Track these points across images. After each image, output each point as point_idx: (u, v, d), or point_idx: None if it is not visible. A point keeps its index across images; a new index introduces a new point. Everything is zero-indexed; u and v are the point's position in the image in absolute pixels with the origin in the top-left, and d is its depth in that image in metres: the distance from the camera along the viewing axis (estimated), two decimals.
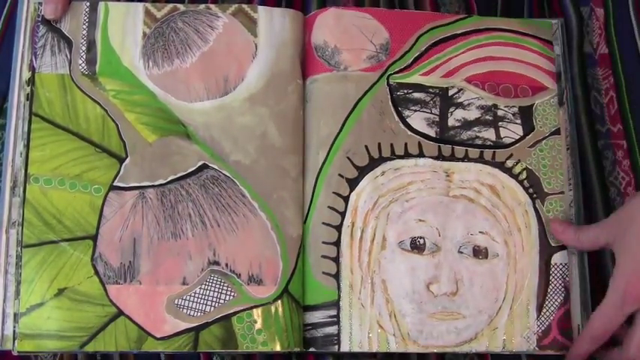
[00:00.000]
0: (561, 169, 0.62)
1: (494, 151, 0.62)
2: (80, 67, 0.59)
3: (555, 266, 0.60)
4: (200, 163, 0.58)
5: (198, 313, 0.56)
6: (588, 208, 0.64)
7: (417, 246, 0.59)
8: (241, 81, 0.60)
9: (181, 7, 0.61)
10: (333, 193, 0.59)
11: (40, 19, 0.60)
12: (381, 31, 0.63)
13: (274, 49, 0.61)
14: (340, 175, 0.59)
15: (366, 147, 0.60)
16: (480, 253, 0.60)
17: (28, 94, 0.59)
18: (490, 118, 0.63)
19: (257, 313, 0.56)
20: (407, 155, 0.61)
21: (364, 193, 0.59)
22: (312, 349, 0.57)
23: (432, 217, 0.60)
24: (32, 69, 0.59)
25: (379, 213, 0.59)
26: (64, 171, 0.58)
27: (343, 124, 0.60)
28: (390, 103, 0.61)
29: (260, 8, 0.61)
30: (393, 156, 0.60)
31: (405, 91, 0.62)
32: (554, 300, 0.60)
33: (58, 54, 0.60)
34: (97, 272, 0.56)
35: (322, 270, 0.58)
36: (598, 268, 0.63)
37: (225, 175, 0.58)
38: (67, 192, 0.57)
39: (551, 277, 0.60)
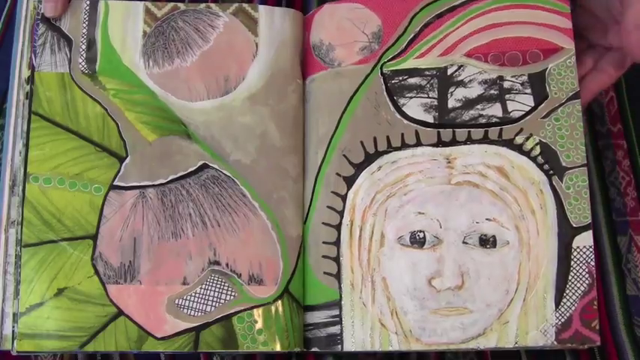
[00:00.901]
0: (582, 138, 0.57)
1: (500, 129, 0.58)
2: (80, 66, 0.59)
3: (578, 250, 0.56)
4: (200, 163, 0.58)
5: (199, 313, 0.56)
6: None
7: (416, 240, 0.57)
8: (242, 80, 0.60)
9: (182, 6, 0.61)
10: (332, 192, 0.59)
11: (39, 17, 0.60)
12: (373, 18, 0.61)
13: (275, 48, 0.61)
14: (337, 173, 0.59)
15: (362, 143, 0.59)
16: (487, 242, 0.56)
17: (27, 92, 0.59)
18: (495, 92, 0.58)
19: (257, 313, 0.56)
20: (404, 146, 0.58)
21: (361, 190, 0.58)
22: (314, 349, 0.57)
23: (432, 208, 0.57)
24: (32, 67, 0.59)
25: (377, 209, 0.58)
26: (63, 170, 0.57)
27: (339, 122, 0.59)
28: (384, 93, 0.59)
29: (261, 7, 0.61)
30: (390, 149, 0.58)
31: (400, 78, 0.59)
32: (576, 288, 0.55)
33: (58, 52, 0.59)
34: (97, 272, 0.56)
35: (323, 270, 0.58)
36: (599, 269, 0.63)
37: (226, 175, 0.58)
38: (66, 191, 0.57)
39: (572, 263, 0.55)
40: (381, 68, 0.60)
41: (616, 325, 0.61)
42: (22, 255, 0.56)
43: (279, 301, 0.57)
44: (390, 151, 0.58)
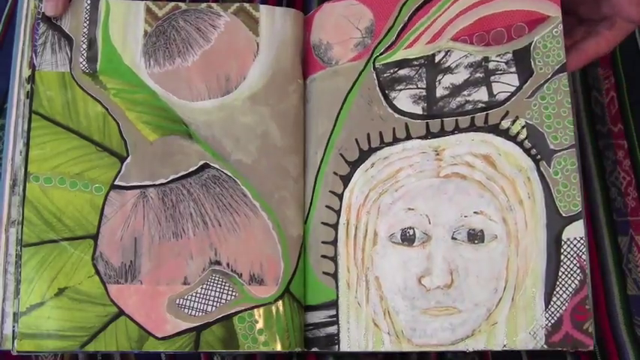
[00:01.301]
0: (570, 116, 0.52)
1: (486, 114, 0.54)
2: (81, 65, 0.59)
3: (568, 242, 0.51)
4: (201, 163, 0.58)
5: (200, 313, 0.56)
6: (589, 208, 0.64)
7: (407, 238, 0.55)
8: (243, 80, 0.60)
9: (183, 5, 0.61)
10: (330, 191, 0.58)
11: (40, 16, 0.60)
12: (366, 13, 0.60)
13: (276, 48, 0.61)
14: (335, 172, 0.58)
15: (356, 140, 0.58)
16: (475, 237, 0.53)
17: (28, 91, 0.58)
18: (481, 75, 0.55)
19: (258, 313, 0.56)
20: (395, 141, 0.57)
21: (356, 188, 0.58)
22: (314, 349, 0.57)
23: (421, 203, 0.55)
24: (32, 66, 0.59)
25: (370, 207, 0.57)
26: (64, 170, 0.57)
27: (336, 121, 0.59)
28: (377, 88, 0.58)
29: (262, 7, 0.61)
30: (382, 144, 0.57)
31: (391, 71, 0.58)
32: (567, 285, 0.51)
33: (59, 52, 0.59)
34: (97, 272, 0.56)
35: (322, 270, 0.57)
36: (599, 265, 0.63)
37: (227, 175, 0.58)
38: (67, 191, 0.57)
39: (562, 257, 0.51)
40: (374, 63, 0.59)
41: (617, 325, 0.61)
42: (23, 254, 0.56)
43: (280, 301, 0.57)
44: (383, 147, 0.57)
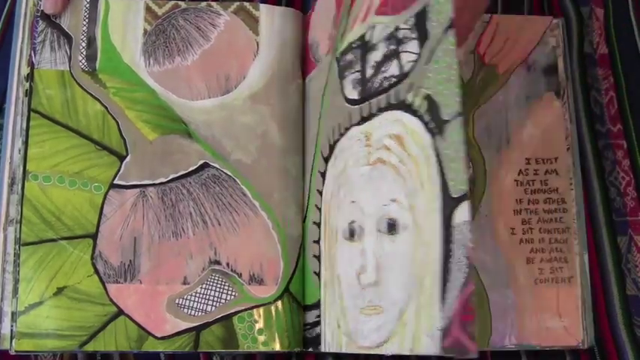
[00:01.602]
0: (457, 79, 0.43)
1: (397, 89, 0.47)
2: (80, 64, 0.59)
3: (457, 228, 0.41)
4: (201, 162, 0.58)
5: (199, 313, 0.56)
6: (588, 208, 0.64)
7: (351, 232, 0.50)
8: (243, 79, 0.60)
9: (182, 4, 0.61)
10: (317, 190, 0.58)
11: (39, 14, 0.59)
12: (333, 2, 0.57)
13: (276, 47, 0.60)
14: (319, 171, 0.58)
15: (327, 135, 0.56)
16: (392, 227, 0.46)
17: (26, 90, 0.58)
18: (393, 47, 0.48)
19: (258, 313, 0.56)
20: (345, 130, 0.53)
21: (327, 184, 0.56)
22: (310, 349, 0.57)
23: (358, 194, 0.50)
24: (31, 65, 0.59)
25: (333, 203, 0.54)
26: (63, 168, 0.57)
27: (320, 118, 0.58)
28: (338, 78, 0.55)
29: (262, 6, 0.61)
30: (340, 136, 0.54)
31: (344, 59, 0.54)
32: (456, 280, 0.40)
33: (58, 50, 0.59)
34: (96, 271, 0.56)
35: (314, 269, 0.57)
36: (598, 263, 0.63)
37: (227, 174, 0.58)
38: (66, 190, 0.57)
39: (452, 246, 0.41)
40: (335, 53, 0.56)
41: (616, 325, 0.61)
42: (21, 253, 0.56)
43: (280, 301, 0.57)
44: (339, 139, 0.54)
